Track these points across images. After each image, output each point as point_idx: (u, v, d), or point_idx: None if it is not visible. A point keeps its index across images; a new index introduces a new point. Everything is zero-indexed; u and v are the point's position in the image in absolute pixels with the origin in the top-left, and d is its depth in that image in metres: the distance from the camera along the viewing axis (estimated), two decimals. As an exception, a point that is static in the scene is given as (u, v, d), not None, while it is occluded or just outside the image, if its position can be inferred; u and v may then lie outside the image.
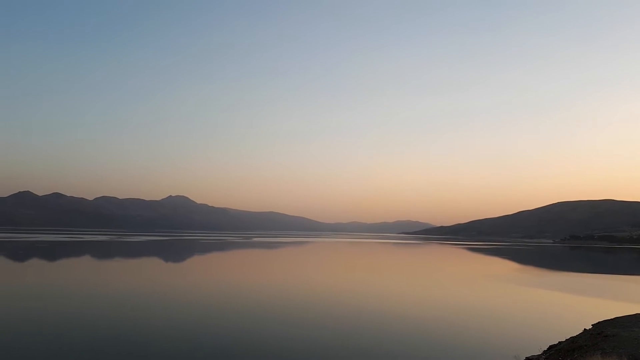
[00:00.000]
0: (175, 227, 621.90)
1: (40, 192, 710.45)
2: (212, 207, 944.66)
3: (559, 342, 19.09)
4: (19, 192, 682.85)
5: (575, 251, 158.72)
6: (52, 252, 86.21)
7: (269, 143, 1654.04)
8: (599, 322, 20.48)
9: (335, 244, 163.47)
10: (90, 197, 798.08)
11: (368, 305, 29.66)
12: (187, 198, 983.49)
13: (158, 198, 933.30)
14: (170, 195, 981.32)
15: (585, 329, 19.28)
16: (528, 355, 17.84)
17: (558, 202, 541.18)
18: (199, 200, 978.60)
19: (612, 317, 21.10)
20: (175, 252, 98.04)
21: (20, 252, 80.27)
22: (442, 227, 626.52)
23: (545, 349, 18.45)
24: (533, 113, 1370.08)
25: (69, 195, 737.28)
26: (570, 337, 18.68)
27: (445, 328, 23.45)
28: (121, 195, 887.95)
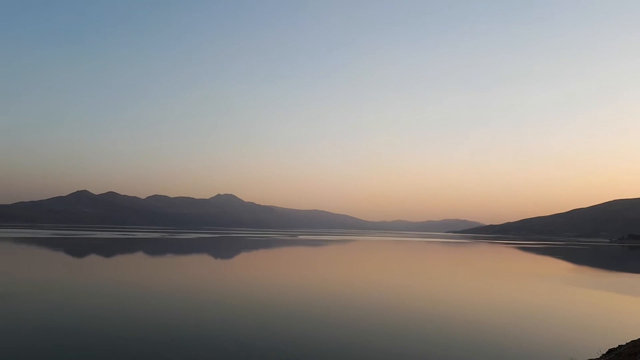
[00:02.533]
0: (223, 225, 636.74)
1: (96, 191, 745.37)
2: (259, 205, 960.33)
3: (619, 345, 18.25)
4: (78, 191, 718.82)
5: (635, 251, 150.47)
6: (109, 248, 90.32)
7: (315, 142, 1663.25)
8: (663, 325, 19.46)
9: (380, 242, 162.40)
10: (143, 196, 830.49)
11: (419, 307, 29.08)
12: (234, 196, 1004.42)
13: (207, 196, 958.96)
14: (219, 194, 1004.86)
15: (648, 333, 18.36)
16: (586, 358, 17.20)
17: (614, 200, 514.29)
18: (246, 199, 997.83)
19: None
20: (224, 248, 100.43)
21: (79, 249, 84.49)
22: (491, 225, 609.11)
23: (605, 352, 17.70)
24: (585, 109, 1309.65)
25: (122, 194, 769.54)
26: (632, 341, 17.84)
27: (499, 330, 22.76)
28: (172, 194, 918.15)
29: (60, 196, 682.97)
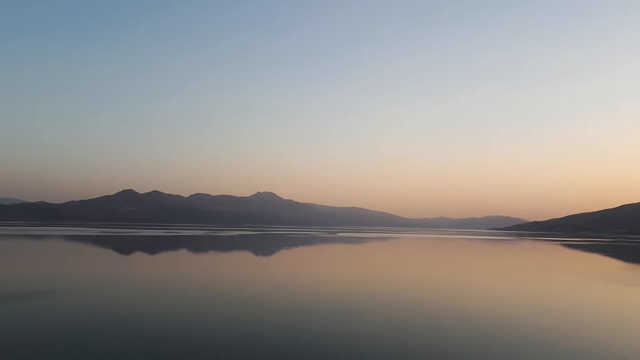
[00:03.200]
0: (263, 222, 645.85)
1: (141, 190, 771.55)
2: (298, 202, 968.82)
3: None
4: (123, 190, 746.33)
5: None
6: (156, 245, 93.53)
7: (353, 139, 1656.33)
8: None
9: (422, 239, 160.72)
10: (186, 195, 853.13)
11: (468, 306, 28.29)
12: (274, 194, 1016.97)
13: (247, 194, 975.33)
14: (259, 192, 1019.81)
15: None
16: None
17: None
18: (285, 196, 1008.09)
19: None
20: (266, 245, 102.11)
21: (125, 246, 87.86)
22: (535, 222, 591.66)
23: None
24: (631, 101, 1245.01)
25: (166, 193, 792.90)
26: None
27: (548, 331, 22.06)
28: (214, 192, 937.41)
29: (107, 195, 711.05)
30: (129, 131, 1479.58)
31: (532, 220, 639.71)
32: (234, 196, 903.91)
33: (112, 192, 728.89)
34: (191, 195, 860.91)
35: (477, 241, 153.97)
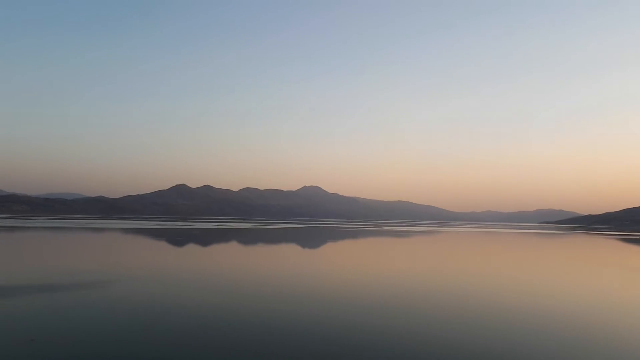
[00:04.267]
0: (309, 215, 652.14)
1: (193, 184, 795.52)
2: (343, 196, 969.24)
3: None
4: (177, 185, 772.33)
5: None
6: (208, 237, 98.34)
7: (399, 133, 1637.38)
8: None
9: (470, 233, 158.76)
10: (236, 189, 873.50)
11: (539, 306, 27.15)
12: (319, 188, 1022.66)
13: (294, 188, 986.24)
14: (305, 186, 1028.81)
15: None
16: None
17: None
18: (330, 190, 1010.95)
19: None
20: (314, 238, 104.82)
21: (179, 238, 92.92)
22: (589, 215, 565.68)
23: None
24: None
25: (217, 187, 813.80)
26: None
27: (608, 333, 21.59)
28: (262, 186, 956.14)
29: (161, 190, 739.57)
30: (182, 128, 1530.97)
31: (586, 213, 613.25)
32: (281, 190, 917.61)
33: (166, 187, 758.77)
34: (240, 190, 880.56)
35: (529, 235, 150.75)
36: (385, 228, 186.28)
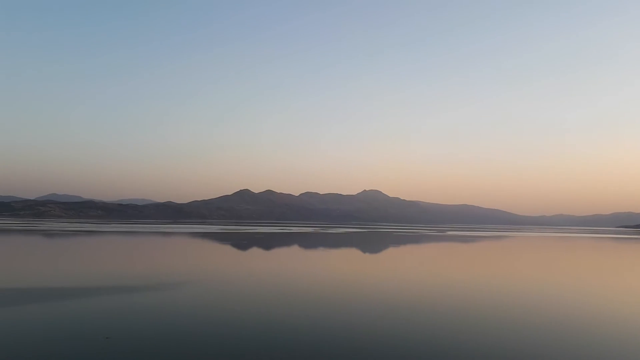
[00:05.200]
0: (369, 220, 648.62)
1: (256, 189, 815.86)
2: (404, 200, 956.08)
3: None
4: (240, 190, 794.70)
5: None
6: (271, 241, 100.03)
7: (462, 136, 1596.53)
8: None
9: (540, 239, 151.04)
10: (296, 193, 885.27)
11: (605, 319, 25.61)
12: (380, 192, 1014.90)
13: (354, 192, 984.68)
14: (365, 190, 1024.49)
15: None
16: None
17: None
18: (391, 194, 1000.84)
19: None
20: (374, 243, 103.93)
21: (244, 242, 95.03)
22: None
23: None
24: None
25: (279, 192, 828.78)
26: None
27: None
28: (322, 190, 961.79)
29: (226, 195, 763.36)
30: (245, 136, 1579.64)
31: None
32: (341, 194, 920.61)
33: (230, 192, 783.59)
34: (301, 194, 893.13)
35: (606, 241, 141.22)
36: (449, 233, 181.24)
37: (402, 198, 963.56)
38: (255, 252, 70.66)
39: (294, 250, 78.27)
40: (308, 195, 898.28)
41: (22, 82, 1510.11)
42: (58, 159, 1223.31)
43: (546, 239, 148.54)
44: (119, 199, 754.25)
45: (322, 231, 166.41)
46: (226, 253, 68.61)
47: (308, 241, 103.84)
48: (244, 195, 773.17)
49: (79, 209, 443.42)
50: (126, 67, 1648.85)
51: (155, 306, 24.84)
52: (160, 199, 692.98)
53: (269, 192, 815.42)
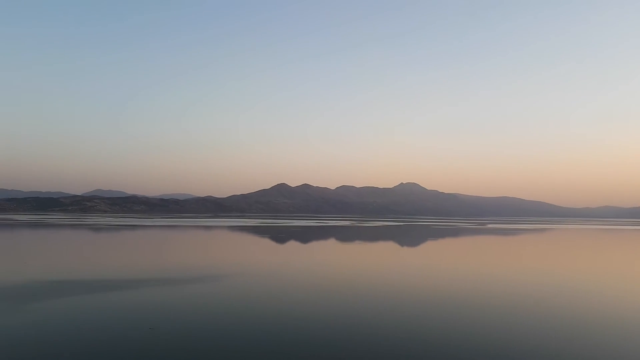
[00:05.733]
0: (406, 213, 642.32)
1: (293, 183, 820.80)
2: (442, 192, 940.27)
3: None
4: (278, 184, 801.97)
5: None
6: (308, 234, 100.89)
7: (502, 126, 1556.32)
8: None
9: (584, 231, 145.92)
10: (333, 187, 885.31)
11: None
12: (417, 185, 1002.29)
13: (390, 185, 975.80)
14: (402, 183, 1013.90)
15: None
16: None
17: None
18: (429, 187, 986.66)
19: None
20: (412, 236, 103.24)
21: (281, 235, 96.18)
22: None
23: None
24: None
25: (315, 185, 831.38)
26: None
27: None
28: (358, 184, 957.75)
29: (264, 189, 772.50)
30: (282, 130, 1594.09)
31: None
32: (377, 187, 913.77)
33: (268, 186, 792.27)
34: (337, 187, 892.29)
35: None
36: (489, 226, 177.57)
37: (440, 190, 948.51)
38: (292, 245, 71.61)
39: (331, 244, 78.76)
40: (344, 188, 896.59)
41: (70, 86, 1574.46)
42: (103, 156, 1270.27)
43: (591, 231, 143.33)
44: (161, 194, 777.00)
45: (358, 224, 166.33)
46: (265, 246, 69.84)
47: (344, 234, 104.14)
48: (281, 189, 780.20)
49: (123, 204, 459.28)
50: (169, 65, 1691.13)
51: (197, 298, 25.78)
52: (201, 193, 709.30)
53: (306, 186, 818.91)
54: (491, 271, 41.29)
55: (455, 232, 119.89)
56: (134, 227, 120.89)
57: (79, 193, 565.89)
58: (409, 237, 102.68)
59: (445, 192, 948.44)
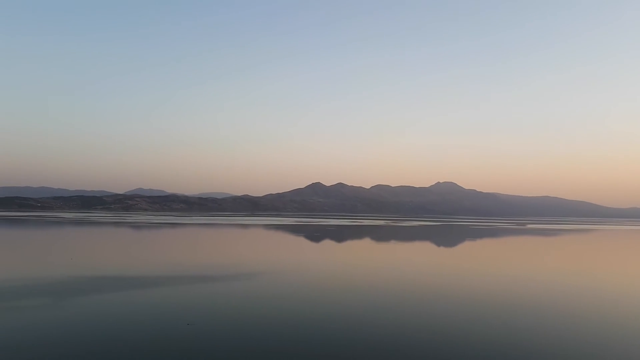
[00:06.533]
0: (443, 213, 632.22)
1: (328, 182, 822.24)
2: (481, 192, 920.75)
3: None
4: (312, 183, 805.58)
5: None
6: (343, 233, 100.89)
7: (543, 126, 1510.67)
8: None
9: (630, 232, 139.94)
10: (367, 186, 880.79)
11: None
12: (455, 184, 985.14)
13: (427, 185, 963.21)
14: (439, 182, 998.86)
15: None
16: None
17: None
18: (467, 186, 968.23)
19: None
20: (449, 236, 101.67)
21: (316, 234, 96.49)
22: None
23: None
24: None
25: (350, 184, 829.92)
26: None
27: None
28: (393, 183, 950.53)
29: (299, 188, 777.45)
30: (315, 131, 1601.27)
31: None
32: (413, 186, 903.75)
33: (302, 185, 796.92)
34: (372, 187, 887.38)
35: None
36: (530, 226, 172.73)
37: (478, 190, 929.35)
38: (328, 244, 71.82)
39: (366, 243, 78.50)
40: (379, 187, 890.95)
41: (114, 87, 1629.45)
42: (144, 156, 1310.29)
43: (637, 232, 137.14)
44: (199, 193, 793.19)
45: (393, 224, 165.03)
46: (300, 244, 70.35)
47: (379, 234, 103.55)
48: (315, 188, 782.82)
49: (163, 202, 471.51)
50: (206, 67, 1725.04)
51: (234, 294, 26.30)
52: (238, 192, 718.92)
53: (340, 185, 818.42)
54: (532, 275, 40.14)
55: (493, 233, 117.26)
56: (173, 225, 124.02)
57: (121, 192, 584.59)
58: (445, 237, 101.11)
59: (484, 191, 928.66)
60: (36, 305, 22.49)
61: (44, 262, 40.64)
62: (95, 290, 26.39)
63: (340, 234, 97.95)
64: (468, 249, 70.56)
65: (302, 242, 76.59)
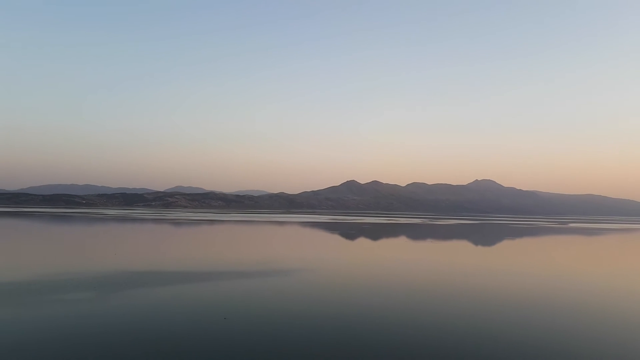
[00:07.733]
0: (482, 211, 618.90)
1: (363, 180, 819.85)
2: (520, 190, 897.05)
3: None
4: (348, 181, 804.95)
5: None
6: (378, 231, 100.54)
7: (587, 121, 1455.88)
8: None
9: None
10: (403, 184, 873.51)
11: None
12: (493, 182, 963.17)
13: (464, 182, 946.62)
14: (476, 180, 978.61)
15: None
16: None
17: None
18: (505, 184, 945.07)
19: None
20: (488, 235, 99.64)
21: (351, 232, 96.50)
22: None
23: None
24: None
25: (385, 182, 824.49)
26: None
27: None
28: (430, 181, 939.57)
29: (333, 186, 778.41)
30: (350, 128, 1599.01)
31: None
32: (450, 184, 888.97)
33: (337, 183, 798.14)
34: (408, 184, 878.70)
35: None
36: (571, 225, 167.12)
37: (517, 188, 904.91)
38: (362, 242, 71.84)
39: (402, 241, 78.01)
40: (415, 185, 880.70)
41: (155, 90, 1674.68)
42: (183, 155, 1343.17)
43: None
44: (236, 190, 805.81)
45: (430, 222, 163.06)
46: (335, 242, 70.59)
47: (415, 232, 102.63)
48: (350, 186, 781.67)
49: (202, 199, 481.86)
50: (234, 69, 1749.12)
51: (269, 290, 26.87)
52: (274, 190, 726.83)
53: (375, 183, 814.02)
54: (573, 276, 39.08)
55: (534, 232, 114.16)
56: (211, 222, 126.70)
57: (161, 189, 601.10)
58: (483, 236, 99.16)
59: (524, 189, 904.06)
60: (82, 299, 23.65)
61: (90, 257, 42.50)
62: (135, 286, 27.39)
63: (375, 232, 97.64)
64: (509, 248, 69.07)
65: (336, 239, 76.87)
